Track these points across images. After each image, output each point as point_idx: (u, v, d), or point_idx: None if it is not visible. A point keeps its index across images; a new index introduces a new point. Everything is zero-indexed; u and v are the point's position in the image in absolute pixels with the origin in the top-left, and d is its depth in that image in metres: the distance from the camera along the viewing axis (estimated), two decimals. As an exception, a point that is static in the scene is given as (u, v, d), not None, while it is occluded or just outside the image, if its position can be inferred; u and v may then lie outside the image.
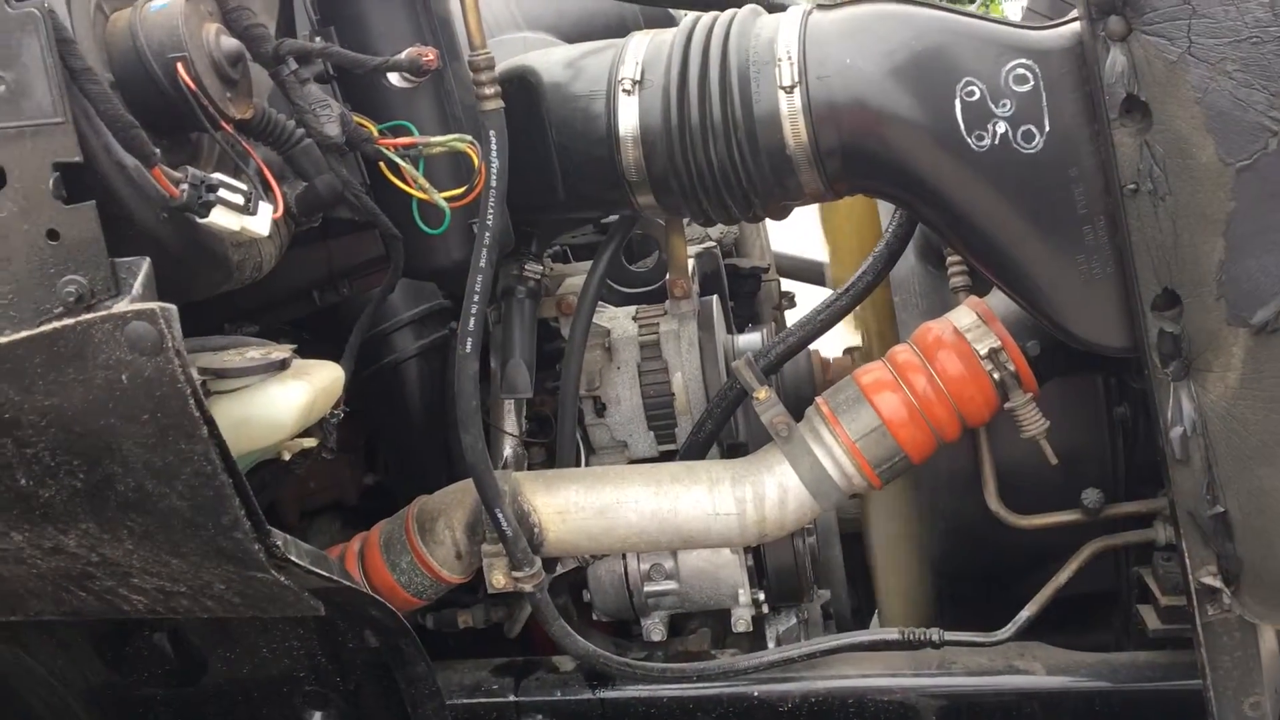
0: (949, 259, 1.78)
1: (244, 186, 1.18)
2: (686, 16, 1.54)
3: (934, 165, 1.43)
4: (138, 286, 1.02)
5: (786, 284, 2.88)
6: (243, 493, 1.05)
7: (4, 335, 0.99)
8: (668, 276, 1.85)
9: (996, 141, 1.41)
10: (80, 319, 0.97)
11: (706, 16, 1.52)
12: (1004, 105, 1.40)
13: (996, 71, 1.40)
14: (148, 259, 1.08)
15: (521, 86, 1.56)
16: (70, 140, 1.05)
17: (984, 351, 1.58)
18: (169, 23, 1.18)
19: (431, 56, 1.34)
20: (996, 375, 1.58)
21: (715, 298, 1.95)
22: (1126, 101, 1.34)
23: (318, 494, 2.01)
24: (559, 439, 1.79)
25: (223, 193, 1.15)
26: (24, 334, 0.97)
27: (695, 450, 1.79)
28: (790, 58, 1.42)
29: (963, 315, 1.63)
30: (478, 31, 1.41)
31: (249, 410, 1.18)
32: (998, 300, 1.65)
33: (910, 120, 1.42)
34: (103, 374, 0.98)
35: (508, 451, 1.88)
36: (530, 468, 1.96)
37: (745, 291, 2.53)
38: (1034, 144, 1.40)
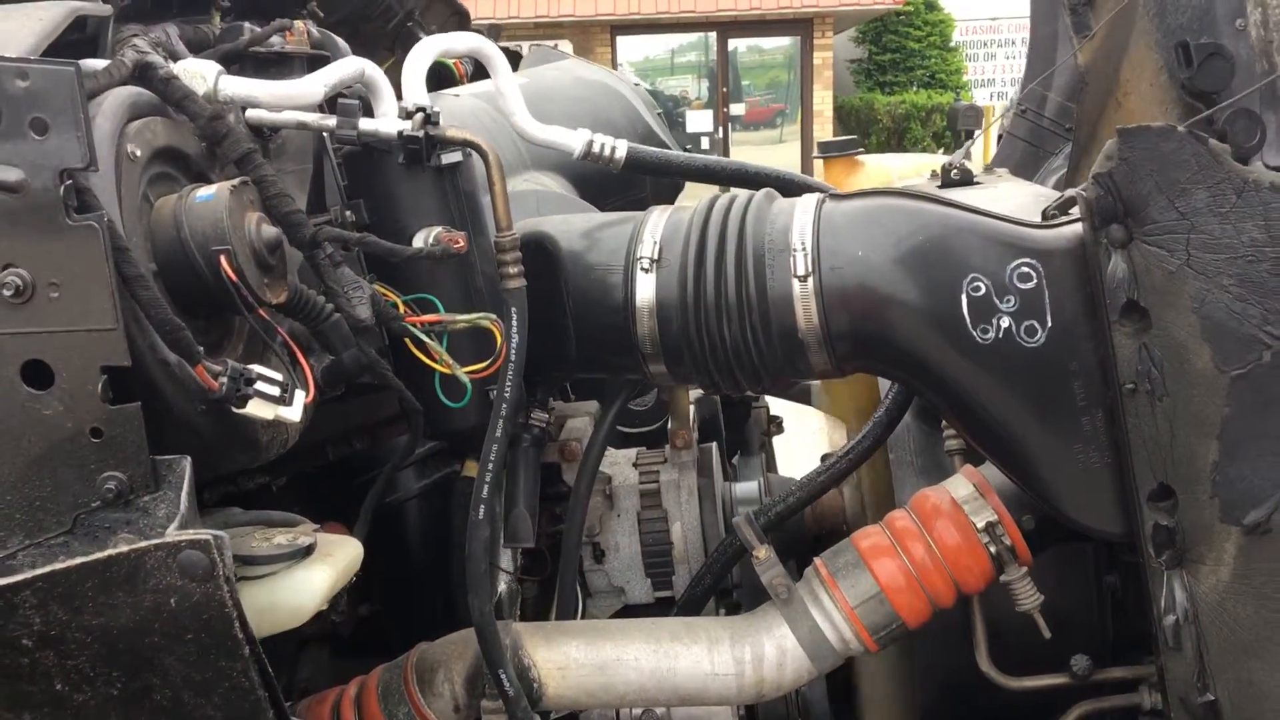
0: (944, 422, 1.83)
1: (280, 377, 1.21)
2: (704, 196, 1.59)
3: (940, 354, 1.48)
4: (184, 499, 1.04)
5: (774, 405, 2.93)
6: (277, 706, 1.07)
7: (59, 557, 1.01)
8: (670, 426, 1.89)
9: (1000, 335, 1.46)
10: (135, 547, 0.99)
11: (723, 199, 1.57)
12: (1008, 301, 1.46)
13: (1001, 269, 1.46)
14: (188, 459, 1.10)
15: (540, 252, 1.60)
16: (120, 345, 1.08)
17: (981, 525, 1.62)
18: (213, 215, 1.21)
19: (461, 243, 1.38)
20: (993, 549, 1.62)
21: (714, 445, 1.99)
22: (1126, 305, 1.40)
23: (311, 623, 2.01)
24: (560, 589, 1.81)
25: (260, 385, 1.18)
26: (79, 560, 1.00)
27: (693, 604, 1.81)
28: (804, 248, 1.47)
29: (960, 485, 1.67)
30: (505, 214, 1.45)
31: (275, 597, 1.20)
32: (993, 471, 1.69)
33: (918, 312, 1.47)
34: (152, 597, 1.00)
35: (502, 587, 1.90)
36: (524, 603, 1.98)
37: (735, 419, 2.58)
38: (1036, 338, 1.46)
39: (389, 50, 2.65)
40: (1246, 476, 1.39)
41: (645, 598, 1.90)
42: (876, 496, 2.22)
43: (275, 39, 1.59)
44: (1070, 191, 1.68)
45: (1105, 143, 3.78)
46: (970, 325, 1.46)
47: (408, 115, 1.42)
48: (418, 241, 1.47)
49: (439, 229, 1.44)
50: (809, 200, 1.54)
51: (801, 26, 17.97)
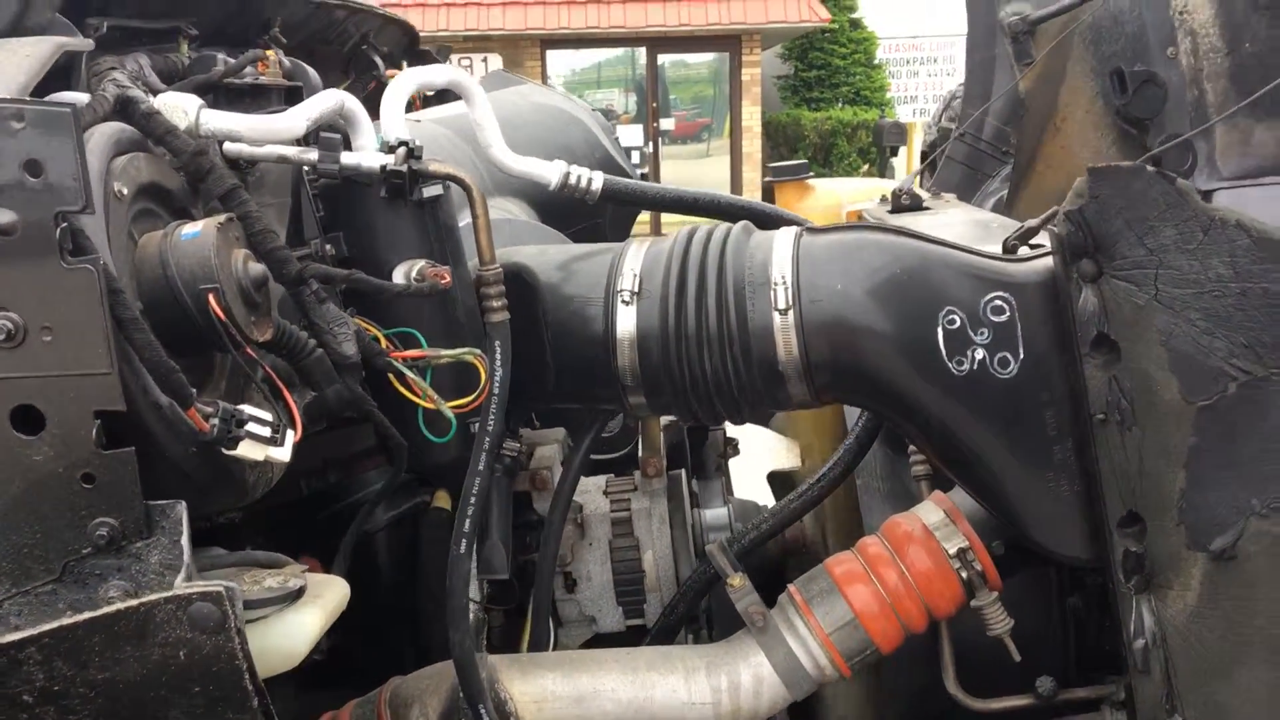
0: (911, 448, 1.86)
1: (270, 417, 1.20)
2: (681, 229, 1.60)
3: (916, 386, 1.51)
4: (184, 546, 1.03)
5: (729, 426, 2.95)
6: (283, 754, 1.06)
7: (50, 606, 0.99)
8: (641, 454, 1.90)
9: (975, 367, 1.49)
10: (144, 600, 0.97)
11: (700, 232, 1.59)
12: (982, 334, 1.49)
13: (976, 302, 1.49)
14: (183, 504, 1.09)
15: (517, 284, 1.60)
16: (115, 389, 1.06)
17: (953, 551, 1.65)
18: (200, 253, 1.19)
19: (447, 278, 1.38)
20: (964, 574, 1.65)
21: (683, 472, 2.00)
22: (1097, 338, 1.44)
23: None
24: (534, 621, 1.80)
25: (251, 426, 1.17)
26: (86, 615, 0.97)
27: (667, 632, 1.82)
28: (785, 282, 1.49)
29: (930, 512, 1.70)
30: (488, 248, 1.45)
31: (266, 641, 1.18)
32: (962, 496, 1.73)
33: (896, 344, 1.50)
34: (160, 651, 0.99)
35: (469, 618, 1.89)
36: (490, 632, 1.97)
37: (694, 443, 2.59)
38: (1009, 370, 1.49)
39: (343, 73, 2.63)
40: (1213, 504, 1.43)
41: (617, 626, 1.91)
42: (838, 521, 2.24)
43: (248, 69, 1.58)
44: (1030, 222, 1.73)
45: (1043, 167, 3.87)
46: (946, 357, 1.49)
47: (390, 149, 1.42)
48: (398, 275, 1.46)
49: (422, 263, 1.43)
50: (787, 234, 1.56)
51: (730, 43, 18.12)
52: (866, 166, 19.56)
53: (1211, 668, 1.47)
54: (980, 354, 1.49)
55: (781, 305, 1.48)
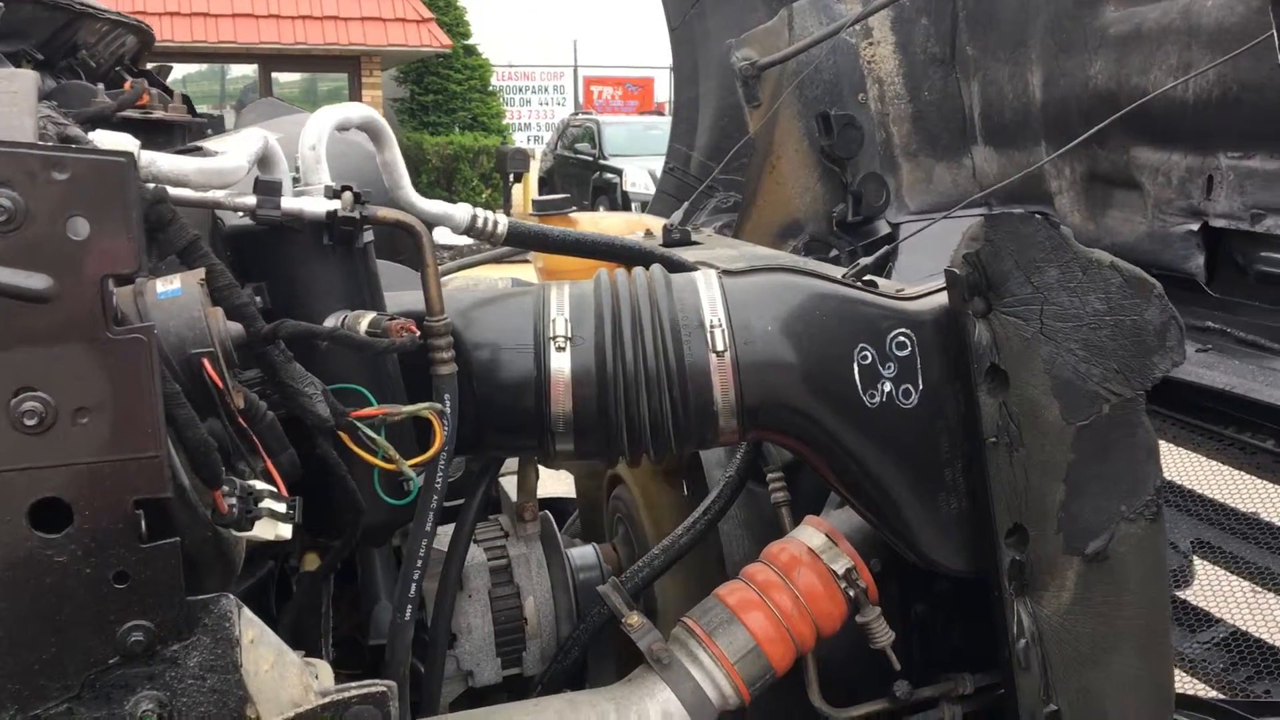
0: (769, 476, 1.95)
1: (278, 492, 1.09)
2: (598, 272, 1.59)
3: (835, 419, 1.59)
4: (276, 645, 0.91)
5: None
6: None
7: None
8: (517, 500, 1.86)
9: (884, 399, 1.60)
10: (302, 709, 0.85)
11: (620, 276, 1.59)
12: (889, 367, 1.60)
13: (883, 339, 1.60)
14: (230, 596, 0.96)
15: (427, 332, 1.53)
16: (160, 474, 0.92)
17: (840, 571, 1.75)
18: (187, 314, 1.06)
19: (417, 331, 1.30)
20: (851, 593, 1.76)
21: (548, 513, 1.97)
22: (989, 369, 1.59)
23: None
24: (428, 683, 1.71)
25: (267, 502, 1.06)
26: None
27: (560, 678, 1.79)
28: (720, 324, 1.53)
29: (812, 535, 1.79)
30: (437, 297, 1.38)
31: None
32: (837, 519, 1.83)
33: (820, 381, 1.57)
34: (309, 763, 0.87)
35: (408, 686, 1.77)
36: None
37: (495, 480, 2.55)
38: (911, 400, 1.61)
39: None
40: (1087, 512, 1.61)
41: (494, 678, 1.85)
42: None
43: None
44: (863, 261, 1.87)
45: (762, 201, 4.12)
46: (861, 391, 1.58)
47: (334, 194, 1.32)
48: (329, 324, 1.36)
49: (371, 315, 1.33)
50: (707, 277, 1.60)
51: (349, 63, 17.75)
52: (489, 191, 19.79)
53: (1083, 658, 1.66)
54: (888, 386, 1.60)
55: (719, 347, 1.52)
